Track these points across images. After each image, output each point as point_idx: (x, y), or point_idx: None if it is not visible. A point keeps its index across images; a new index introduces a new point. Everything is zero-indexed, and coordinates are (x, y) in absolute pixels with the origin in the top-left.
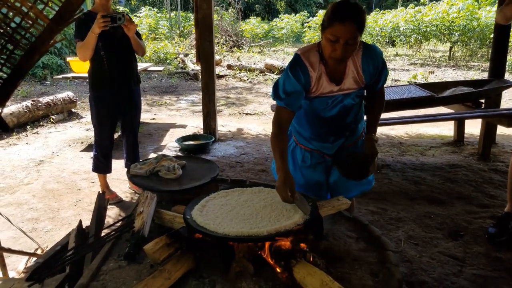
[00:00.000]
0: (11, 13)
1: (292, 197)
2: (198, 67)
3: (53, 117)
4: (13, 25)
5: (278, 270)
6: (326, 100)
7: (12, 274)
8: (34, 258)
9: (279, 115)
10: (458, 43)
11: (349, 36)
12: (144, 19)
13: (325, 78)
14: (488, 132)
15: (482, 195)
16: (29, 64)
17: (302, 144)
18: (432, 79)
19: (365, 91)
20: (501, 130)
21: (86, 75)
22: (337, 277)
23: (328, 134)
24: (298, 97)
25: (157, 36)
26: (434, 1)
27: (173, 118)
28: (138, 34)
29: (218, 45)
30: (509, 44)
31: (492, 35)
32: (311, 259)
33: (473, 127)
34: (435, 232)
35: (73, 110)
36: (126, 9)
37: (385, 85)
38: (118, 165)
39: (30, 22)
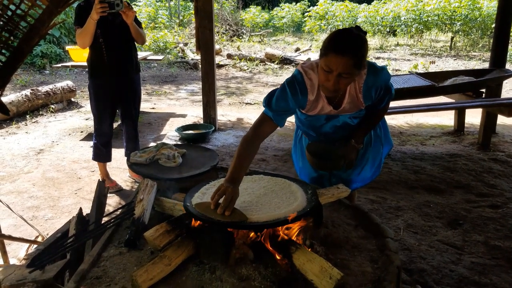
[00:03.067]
0: None
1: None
2: (198, 57)
3: (52, 106)
4: (12, 7)
5: (277, 256)
6: (321, 118)
7: (13, 261)
8: (35, 245)
9: (262, 123)
10: (460, 33)
11: (343, 70)
12: (143, 8)
13: (324, 101)
14: (489, 121)
15: (481, 184)
16: (28, 47)
17: (306, 135)
18: (433, 69)
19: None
20: (501, 119)
21: (85, 63)
22: (336, 264)
23: (329, 139)
24: (289, 114)
25: (156, 25)
26: None
27: (173, 108)
28: (138, 23)
29: (218, 35)
30: (511, 34)
31: (493, 25)
32: (310, 246)
33: (474, 117)
34: (434, 220)
35: (72, 99)
36: None
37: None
38: (118, 154)
39: (29, 3)
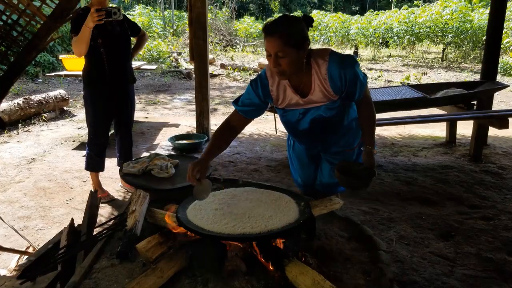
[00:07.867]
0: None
1: (197, 179)
2: (192, 66)
3: (45, 115)
4: (10, 22)
5: (270, 269)
6: (296, 113)
7: (3, 272)
8: (26, 256)
9: (233, 116)
10: (451, 44)
11: (276, 50)
12: (137, 17)
13: (290, 90)
14: (480, 133)
15: (473, 196)
16: (26, 61)
17: (294, 139)
18: (425, 80)
19: (353, 104)
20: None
21: (79, 72)
22: (329, 276)
23: (312, 142)
24: (255, 108)
25: (150, 35)
26: (427, 3)
27: (166, 117)
28: (138, 27)
29: (212, 44)
30: (501, 46)
31: (484, 37)
32: (303, 258)
33: (465, 129)
34: (427, 232)
35: (65, 108)
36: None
37: (378, 87)
38: (110, 164)
39: (27, 19)
